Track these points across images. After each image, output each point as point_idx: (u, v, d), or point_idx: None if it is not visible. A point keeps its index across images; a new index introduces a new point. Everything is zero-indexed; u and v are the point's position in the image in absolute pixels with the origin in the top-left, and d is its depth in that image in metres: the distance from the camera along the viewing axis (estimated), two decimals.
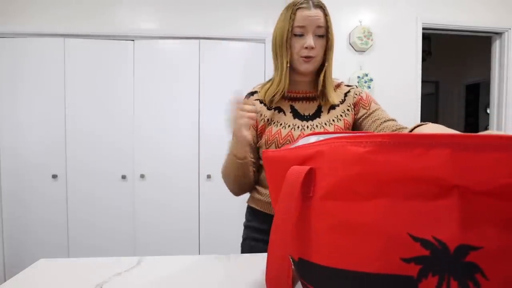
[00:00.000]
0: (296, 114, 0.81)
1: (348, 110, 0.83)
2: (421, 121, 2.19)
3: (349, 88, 0.87)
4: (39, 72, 2.13)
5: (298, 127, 0.80)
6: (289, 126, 0.80)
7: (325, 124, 0.80)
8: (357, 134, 0.30)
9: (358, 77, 2.06)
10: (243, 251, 0.88)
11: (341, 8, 2.09)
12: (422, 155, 0.25)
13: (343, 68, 2.09)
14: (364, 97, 0.84)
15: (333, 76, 0.84)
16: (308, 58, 0.76)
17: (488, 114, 3.03)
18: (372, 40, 2.07)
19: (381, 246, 0.26)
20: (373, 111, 0.81)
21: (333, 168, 0.30)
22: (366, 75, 2.07)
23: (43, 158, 2.15)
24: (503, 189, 0.22)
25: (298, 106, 0.82)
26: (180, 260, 0.58)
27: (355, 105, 0.84)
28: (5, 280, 2.14)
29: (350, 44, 2.10)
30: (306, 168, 0.33)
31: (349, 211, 0.29)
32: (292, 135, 0.78)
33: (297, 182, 0.32)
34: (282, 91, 0.79)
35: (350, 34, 2.09)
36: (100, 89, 2.18)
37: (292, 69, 0.80)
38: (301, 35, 0.76)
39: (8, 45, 2.12)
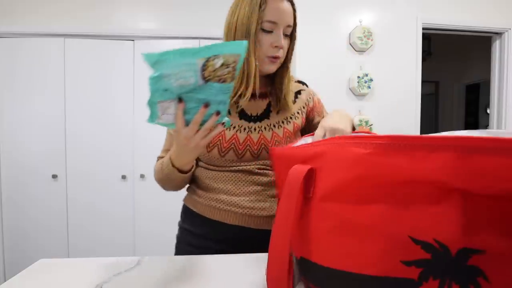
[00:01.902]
0: (243, 114, 0.72)
1: (298, 113, 0.77)
2: (421, 121, 2.20)
3: (299, 87, 0.80)
4: (39, 72, 2.13)
5: (245, 129, 0.71)
6: (234, 127, 0.71)
7: (274, 126, 0.73)
8: (360, 135, 0.29)
9: (358, 77, 2.06)
10: (178, 254, 0.76)
11: (341, 8, 2.09)
12: (425, 158, 0.24)
13: (343, 68, 2.09)
14: (317, 103, 0.81)
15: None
16: (275, 58, 0.68)
17: (488, 114, 3.03)
18: (372, 40, 2.07)
19: (381, 249, 0.26)
20: None
21: (333, 169, 0.30)
22: (366, 75, 2.07)
23: (43, 158, 2.15)
24: (507, 193, 0.22)
25: (245, 104, 0.73)
26: (180, 260, 0.58)
27: (310, 111, 0.80)
28: (5, 280, 2.13)
29: (350, 44, 2.10)
30: (306, 167, 0.32)
31: (348, 213, 0.29)
32: (238, 137, 0.70)
33: (298, 182, 0.32)
34: (248, 96, 0.68)
35: (350, 34, 2.09)
36: (100, 89, 2.18)
37: None
38: (270, 32, 0.66)
39: (8, 45, 2.12)
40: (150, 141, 2.21)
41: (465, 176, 0.23)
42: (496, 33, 2.35)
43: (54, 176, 2.15)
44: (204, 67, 0.42)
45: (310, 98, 0.81)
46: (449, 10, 2.22)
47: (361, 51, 2.11)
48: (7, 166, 2.14)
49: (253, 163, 0.71)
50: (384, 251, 0.26)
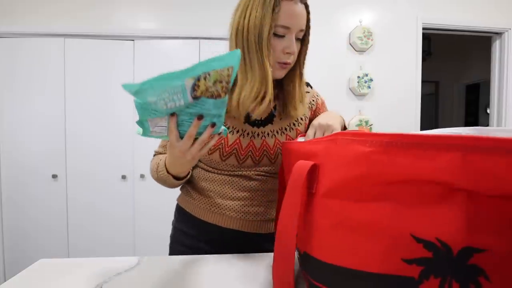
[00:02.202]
0: (247, 118, 0.69)
1: (302, 118, 0.75)
2: (421, 121, 2.20)
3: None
4: (39, 72, 2.13)
5: (248, 134, 0.69)
6: (238, 131, 0.68)
7: (277, 132, 0.71)
8: (363, 132, 0.29)
9: (358, 77, 2.06)
10: (172, 254, 0.78)
11: (341, 8, 2.09)
12: (430, 157, 0.24)
13: (343, 68, 2.09)
14: (321, 106, 0.80)
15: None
16: (285, 64, 0.65)
17: (488, 114, 3.03)
18: (372, 40, 2.07)
19: (382, 247, 0.26)
20: None
21: (335, 166, 0.30)
22: (366, 75, 2.07)
23: (43, 158, 2.15)
24: None
25: (251, 109, 0.69)
26: (180, 260, 0.58)
27: (313, 114, 0.79)
28: (5, 280, 2.13)
29: (350, 44, 2.10)
30: (309, 163, 0.32)
31: (350, 210, 0.29)
32: (240, 142, 0.68)
33: (301, 177, 0.32)
34: (267, 103, 0.63)
35: (350, 34, 2.09)
36: (100, 89, 2.18)
37: None
38: (282, 36, 0.62)
39: (8, 45, 2.12)
40: (150, 141, 2.21)
41: (470, 176, 0.22)
42: (496, 33, 2.35)
43: (54, 176, 2.15)
44: (195, 87, 0.38)
45: (313, 100, 0.79)
46: (450, 10, 2.22)
47: (361, 51, 2.11)
48: (7, 166, 2.14)
49: (253, 169, 0.70)
50: (385, 249, 0.26)
